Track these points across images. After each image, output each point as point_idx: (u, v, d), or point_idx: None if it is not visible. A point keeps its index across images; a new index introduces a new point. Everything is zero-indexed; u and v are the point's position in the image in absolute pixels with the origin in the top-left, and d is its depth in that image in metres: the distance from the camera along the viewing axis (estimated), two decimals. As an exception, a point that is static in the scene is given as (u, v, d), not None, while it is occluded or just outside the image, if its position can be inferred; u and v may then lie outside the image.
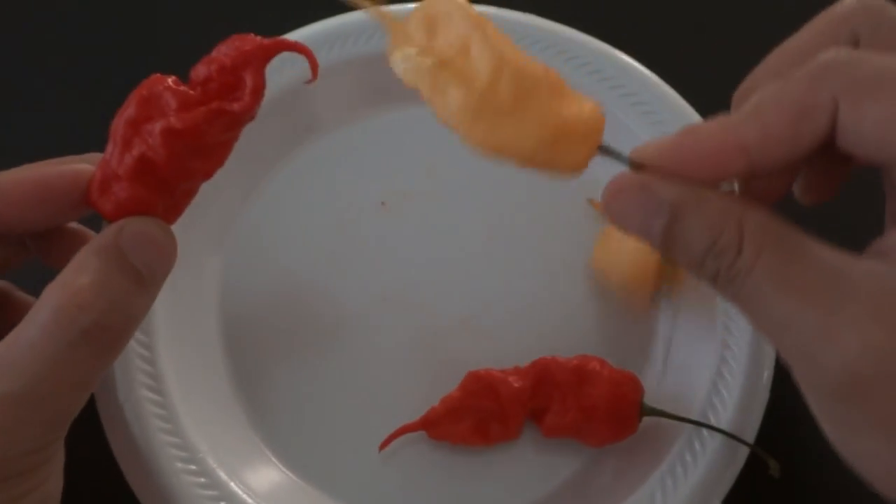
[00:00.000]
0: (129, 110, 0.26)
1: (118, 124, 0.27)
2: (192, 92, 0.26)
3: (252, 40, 0.27)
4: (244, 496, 0.32)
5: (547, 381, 0.34)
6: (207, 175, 0.28)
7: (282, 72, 0.39)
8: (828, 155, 0.23)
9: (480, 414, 0.34)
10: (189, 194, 0.28)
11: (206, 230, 0.34)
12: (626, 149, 0.38)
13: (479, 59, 0.24)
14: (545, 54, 0.40)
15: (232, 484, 0.32)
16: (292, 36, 0.40)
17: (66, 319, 0.24)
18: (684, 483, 0.32)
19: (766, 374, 0.34)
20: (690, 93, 0.39)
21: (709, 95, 0.40)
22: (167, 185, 0.27)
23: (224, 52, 0.27)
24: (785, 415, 0.34)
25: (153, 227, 0.26)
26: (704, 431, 0.33)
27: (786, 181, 0.26)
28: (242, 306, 0.36)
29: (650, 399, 0.34)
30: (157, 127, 0.26)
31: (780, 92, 0.22)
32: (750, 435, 0.33)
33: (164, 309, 0.34)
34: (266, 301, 0.37)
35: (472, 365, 0.35)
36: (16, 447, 0.24)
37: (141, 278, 0.26)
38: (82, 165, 0.27)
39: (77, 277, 0.25)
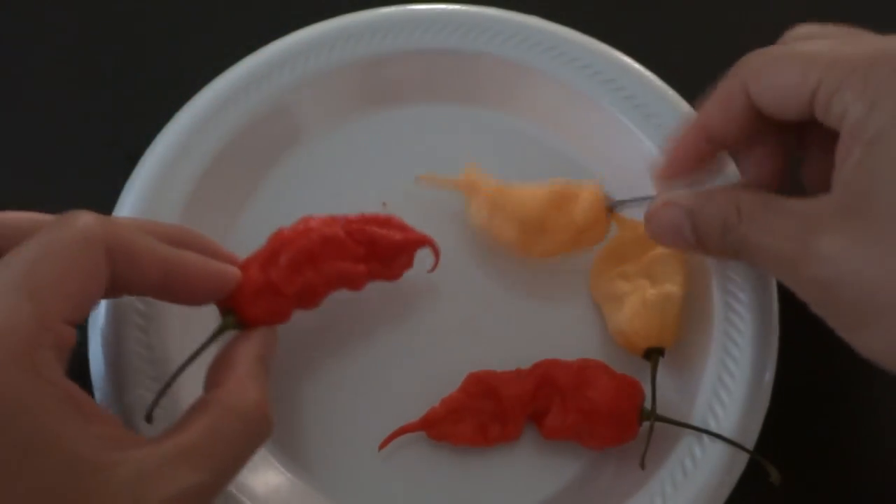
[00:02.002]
0: (308, 241, 0.31)
1: (292, 243, 0.31)
2: (360, 249, 0.33)
3: (410, 233, 0.35)
4: (242, 497, 0.32)
5: (548, 383, 0.34)
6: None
7: (283, 70, 0.39)
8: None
9: (481, 415, 0.34)
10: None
11: (207, 233, 0.34)
12: (630, 151, 0.39)
13: (509, 211, 0.36)
14: (546, 56, 0.40)
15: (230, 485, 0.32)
16: (292, 38, 0.40)
17: (253, 431, 0.27)
18: (684, 488, 0.32)
19: (767, 381, 0.34)
20: (691, 94, 0.39)
21: (703, 91, 0.40)
22: (306, 303, 0.32)
23: (391, 231, 0.34)
24: (786, 422, 0.34)
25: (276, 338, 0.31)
26: (705, 437, 0.33)
27: (772, 170, 0.33)
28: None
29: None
30: (335, 268, 0.32)
31: (717, 90, 0.32)
32: (750, 442, 0.33)
33: (166, 313, 0.34)
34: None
35: (473, 366, 0.35)
36: None
37: None
38: (235, 269, 0.31)
39: (256, 386, 0.28)
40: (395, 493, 0.34)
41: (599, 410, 0.33)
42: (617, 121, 0.39)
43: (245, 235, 0.38)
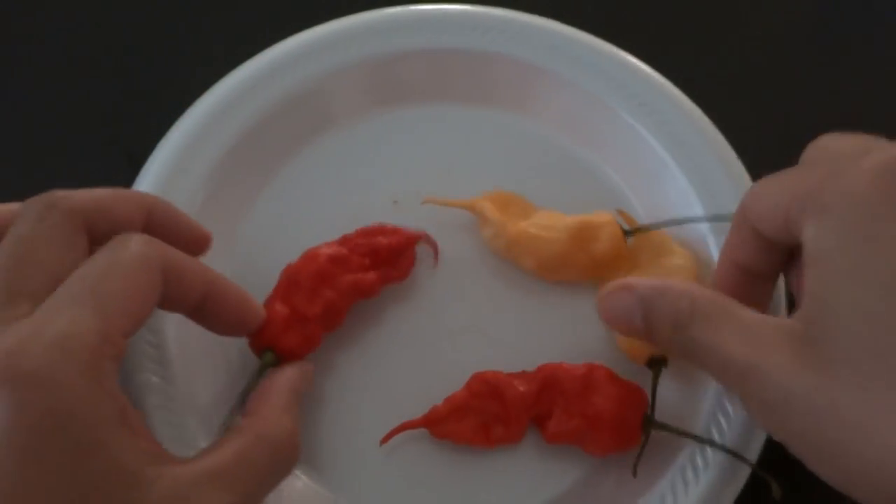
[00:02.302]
0: (317, 265, 0.34)
1: (303, 271, 0.34)
2: (365, 260, 0.35)
3: (404, 233, 0.36)
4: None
5: (552, 387, 0.34)
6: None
7: (296, 68, 0.40)
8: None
9: (484, 415, 0.34)
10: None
11: (219, 227, 0.34)
12: (639, 153, 0.39)
13: (526, 248, 0.37)
14: (557, 57, 0.40)
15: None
16: (303, 36, 0.41)
17: (281, 459, 0.29)
18: (685, 499, 0.32)
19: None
20: (694, 90, 0.40)
21: (712, 93, 0.40)
22: (333, 322, 0.35)
23: (386, 236, 0.36)
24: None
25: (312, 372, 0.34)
26: (708, 448, 0.33)
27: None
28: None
29: (656, 410, 0.34)
30: (348, 281, 0.34)
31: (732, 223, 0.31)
32: (753, 454, 0.33)
33: (174, 346, 0.34)
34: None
35: (478, 367, 0.35)
36: None
37: None
38: (262, 308, 0.33)
39: (288, 417, 0.30)
40: (395, 489, 0.34)
41: (602, 416, 0.33)
42: (625, 122, 0.39)
43: (255, 233, 0.38)
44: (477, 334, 0.37)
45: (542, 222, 0.37)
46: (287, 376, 0.32)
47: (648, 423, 0.33)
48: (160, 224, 0.31)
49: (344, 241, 0.36)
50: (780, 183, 0.28)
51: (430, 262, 0.38)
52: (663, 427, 0.33)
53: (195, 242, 0.33)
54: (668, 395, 0.35)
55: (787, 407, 0.25)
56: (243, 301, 0.32)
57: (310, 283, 0.34)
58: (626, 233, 0.37)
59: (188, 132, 0.38)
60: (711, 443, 0.33)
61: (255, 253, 0.38)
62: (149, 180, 0.37)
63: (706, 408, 0.34)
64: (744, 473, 0.32)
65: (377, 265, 0.36)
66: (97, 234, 0.29)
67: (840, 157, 0.27)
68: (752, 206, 0.29)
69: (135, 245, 0.28)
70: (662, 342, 0.29)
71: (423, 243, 0.37)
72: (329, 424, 0.35)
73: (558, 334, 0.37)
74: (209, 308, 0.31)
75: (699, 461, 0.33)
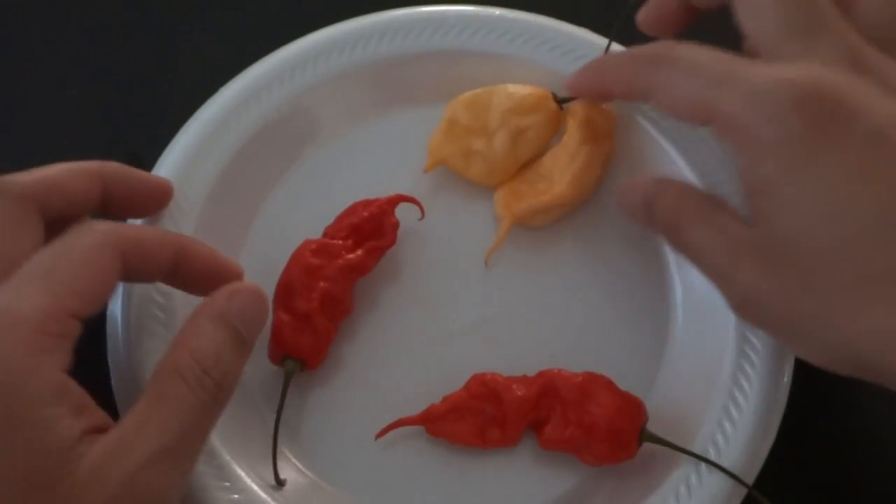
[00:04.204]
0: (303, 263, 0.35)
1: (290, 272, 0.35)
2: (348, 241, 0.35)
3: (378, 201, 0.37)
4: (243, 475, 0.33)
5: (551, 393, 0.34)
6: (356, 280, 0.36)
7: (293, 77, 0.39)
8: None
9: (481, 417, 0.34)
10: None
11: (223, 237, 0.35)
12: (641, 146, 0.38)
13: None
14: (557, 56, 0.40)
15: (235, 465, 0.33)
16: (300, 43, 0.40)
17: (196, 382, 0.27)
18: (676, 516, 0.31)
19: (776, 419, 0.33)
20: None
21: None
22: (339, 309, 0.35)
23: (361, 211, 0.36)
24: (788, 461, 0.32)
25: (256, 295, 0.30)
26: (703, 467, 0.32)
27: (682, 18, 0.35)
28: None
29: (654, 423, 0.33)
30: (337, 266, 0.35)
31: None
32: (750, 476, 0.32)
33: (184, 311, 0.34)
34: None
35: (479, 368, 0.35)
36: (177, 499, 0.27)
37: (243, 339, 0.29)
38: (238, 266, 0.33)
39: (198, 342, 0.28)
40: (389, 484, 0.34)
41: (599, 426, 0.32)
42: (634, 122, 0.38)
43: (258, 239, 0.38)
44: (479, 335, 0.36)
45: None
46: (212, 301, 0.29)
47: (649, 436, 0.33)
48: (118, 189, 0.32)
49: (325, 231, 0.36)
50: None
51: (422, 257, 0.37)
52: (661, 441, 0.33)
53: (157, 196, 0.33)
54: (669, 407, 0.34)
55: (758, 306, 0.29)
56: (214, 259, 0.32)
57: (301, 282, 0.34)
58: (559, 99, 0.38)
59: (190, 143, 0.38)
60: (708, 461, 0.32)
61: (260, 256, 0.38)
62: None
63: (706, 426, 0.33)
64: (739, 494, 0.32)
65: (362, 241, 0.36)
66: (53, 212, 0.30)
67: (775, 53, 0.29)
68: None
69: (91, 231, 0.28)
70: (668, 241, 0.33)
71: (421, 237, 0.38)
72: (326, 415, 0.35)
73: (562, 340, 0.36)
74: (181, 272, 0.31)
75: (694, 479, 0.32)
